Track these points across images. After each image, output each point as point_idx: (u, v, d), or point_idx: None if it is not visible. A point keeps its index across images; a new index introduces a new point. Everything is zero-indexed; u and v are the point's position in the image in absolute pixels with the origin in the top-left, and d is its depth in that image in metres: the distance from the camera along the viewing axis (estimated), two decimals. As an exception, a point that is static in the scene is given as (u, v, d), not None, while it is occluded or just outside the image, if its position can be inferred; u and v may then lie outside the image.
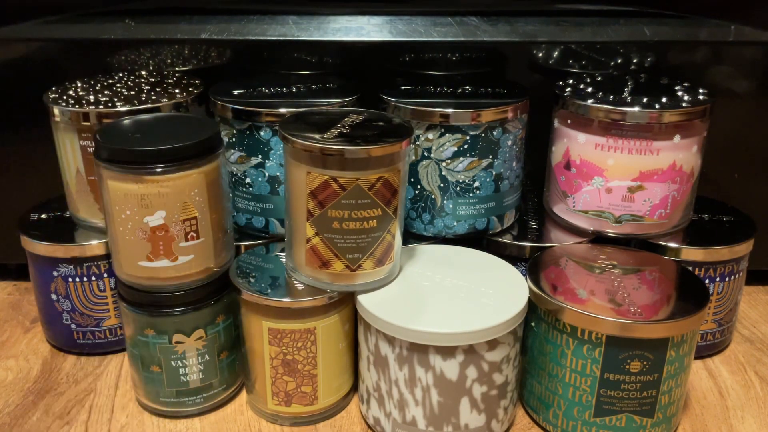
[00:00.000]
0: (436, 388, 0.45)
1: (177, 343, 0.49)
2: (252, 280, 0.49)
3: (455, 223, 0.55)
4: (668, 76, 0.61)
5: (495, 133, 0.53)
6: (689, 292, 0.48)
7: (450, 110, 0.52)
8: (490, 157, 0.54)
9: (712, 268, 0.56)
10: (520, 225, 0.60)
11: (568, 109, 0.55)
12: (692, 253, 0.55)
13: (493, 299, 0.47)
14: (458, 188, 0.54)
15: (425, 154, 0.53)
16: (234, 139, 0.54)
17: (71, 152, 0.54)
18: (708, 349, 0.59)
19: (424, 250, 0.54)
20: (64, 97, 0.55)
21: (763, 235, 0.59)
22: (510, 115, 0.53)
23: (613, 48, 0.63)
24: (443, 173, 0.54)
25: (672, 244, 0.56)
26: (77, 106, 0.53)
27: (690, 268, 0.54)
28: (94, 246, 0.55)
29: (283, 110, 0.52)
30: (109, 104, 0.53)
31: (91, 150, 0.53)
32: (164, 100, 0.55)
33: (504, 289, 0.48)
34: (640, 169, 0.53)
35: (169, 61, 0.64)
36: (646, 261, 0.53)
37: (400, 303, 0.47)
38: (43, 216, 0.59)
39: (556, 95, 0.57)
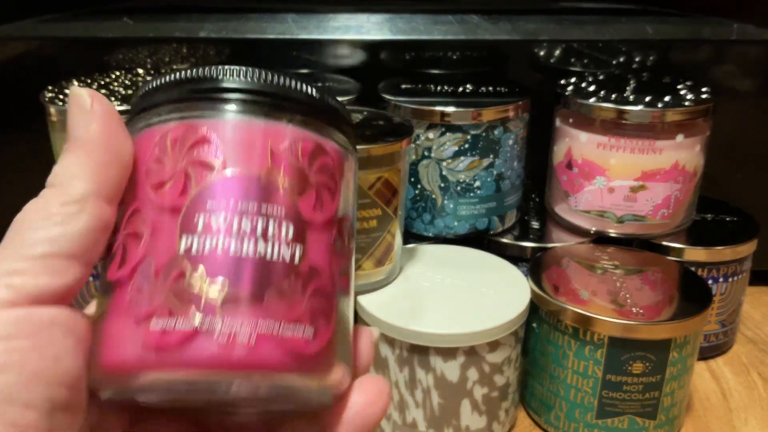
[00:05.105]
0: (437, 389, 0.45)
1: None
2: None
3: (456, 223, 0.55)
4: (671, 74, 0.61)
5: (496, 132, 0.53)
6: (692, 293, 0.48)
7: (451, 109, 0.51)
8: (491, 156, 0.53)
9: (715, 268, 0.55)
10: (522, 225, 0.59)
11: (570, 108, 0.55)
12: (695, 254, 0.55)
13: (494, 300, 0.46)
14: (459, 188, 0.54)
15: (426, 153, 0.53)
16: (232, 139, 0.53)
17: (68, 151, 0.54)
18: (711, 351, 0.59)
19: (425, 250, 0.54)
20: (61, 96, 0.54)
21: (766, 235, 0.59)
22: (511, 114, 0.53)
23: (615, 46, 0.62)
24: (444, 173, 0.53)
25: (674, 245, 0.55)
26: (74, 105, 0.52)
27: (693, 269, 0.54)
28: (91, 246, 0.55)
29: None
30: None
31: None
32: (162, 99, 0.54)
33: (505, 290, 0.48)
34: (643, 169, 0.53)
35: (167, 59, 0.64)
36: (648, 261, 0.52)
37: (401, 304, 0.46)
38: (41, 216, 0.59)
39: (557, 94, 0.56)
